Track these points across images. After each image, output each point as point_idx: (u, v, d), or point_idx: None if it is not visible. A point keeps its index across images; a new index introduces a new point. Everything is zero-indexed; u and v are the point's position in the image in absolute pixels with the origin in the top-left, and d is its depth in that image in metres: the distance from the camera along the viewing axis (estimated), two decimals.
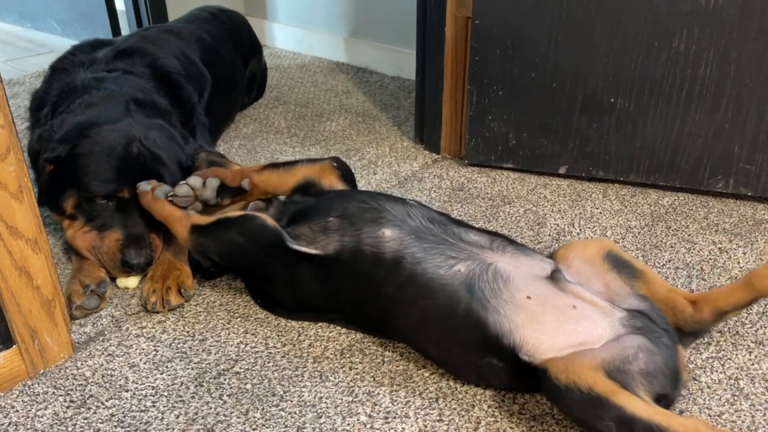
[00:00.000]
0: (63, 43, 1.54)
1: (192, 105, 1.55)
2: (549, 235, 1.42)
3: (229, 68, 1.89)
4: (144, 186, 1.21)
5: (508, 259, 1.01)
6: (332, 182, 1.21)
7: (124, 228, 1.22)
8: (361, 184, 1.62)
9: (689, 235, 1.40)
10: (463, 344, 0.98)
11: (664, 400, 0.89)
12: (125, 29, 2.60)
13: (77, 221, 1.23)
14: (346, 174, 1.23)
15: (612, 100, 1.53)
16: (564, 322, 0.93)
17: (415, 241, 1.02)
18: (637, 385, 0.85)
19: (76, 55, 1.58)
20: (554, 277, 0.98)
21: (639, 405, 0.81)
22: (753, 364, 1.06)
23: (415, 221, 1.06)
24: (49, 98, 1.44)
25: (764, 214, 1.48)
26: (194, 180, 1.20)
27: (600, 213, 1.50)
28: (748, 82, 1.42)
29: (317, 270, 1.07)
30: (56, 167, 1.22)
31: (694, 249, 1.36)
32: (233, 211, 1.18)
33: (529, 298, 0.95)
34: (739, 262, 1.31)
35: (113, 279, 1.25)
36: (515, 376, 0.96)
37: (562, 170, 1.64)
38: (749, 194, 1.52)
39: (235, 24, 2.07)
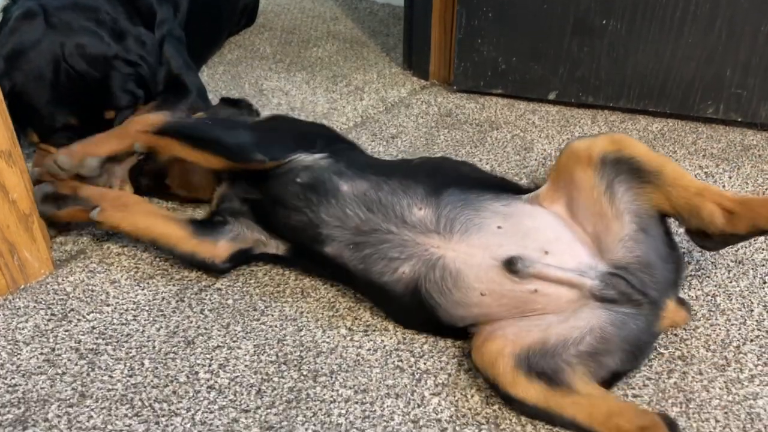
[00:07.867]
0: None
1: (152, 13, 1.44)
2: (535, 159, 1.41)
3: None
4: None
5: (456, 243, 0.92)
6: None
7: None
8: (348, 110, 1.60)
9: (676, 160, 1.39)
10: (423, 325, 0.99)
11: (618, 377, 0.88)
12: None
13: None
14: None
15: (604, 22, 1.49)
16: (524, 309, 0.90)
17: (354, 252, 0.96)
18: (573, 368, 0.84)
19: None
20: (511, 269, 0.89)
21: (531, 392, 0.83)
22: (731, 282, 1.06)
23: (353, 219, 0.97)
24: None
25: (753, 139, 1.47)
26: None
27: None
28: (743, 2, 1.38)
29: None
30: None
31: None
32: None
33: (483, 295, 0.90)
34: (724, 186, 1.30)
35: None
36: None
37: (551, 96, 1.61)
38: (739, 119, 1.50)
39: None
